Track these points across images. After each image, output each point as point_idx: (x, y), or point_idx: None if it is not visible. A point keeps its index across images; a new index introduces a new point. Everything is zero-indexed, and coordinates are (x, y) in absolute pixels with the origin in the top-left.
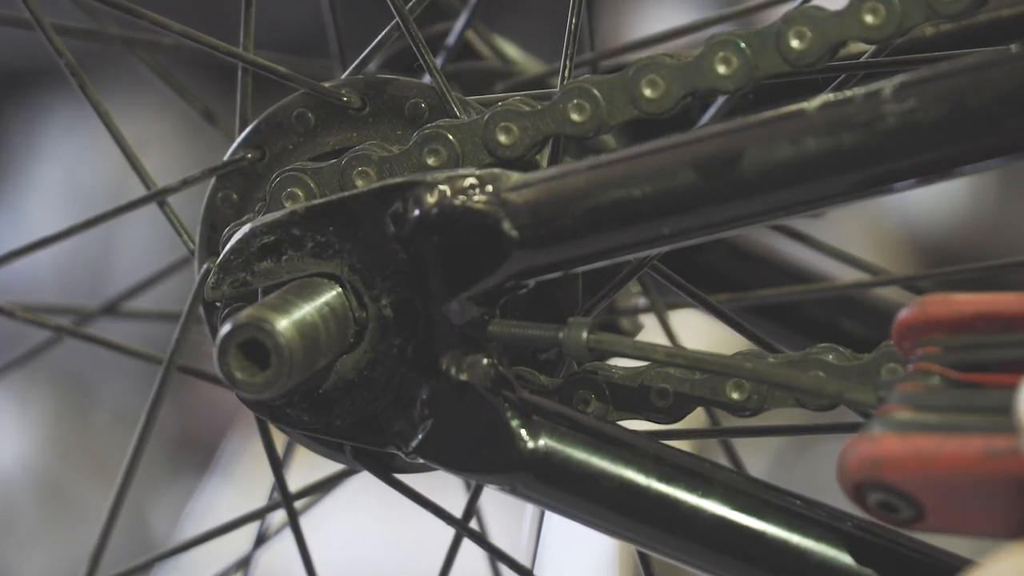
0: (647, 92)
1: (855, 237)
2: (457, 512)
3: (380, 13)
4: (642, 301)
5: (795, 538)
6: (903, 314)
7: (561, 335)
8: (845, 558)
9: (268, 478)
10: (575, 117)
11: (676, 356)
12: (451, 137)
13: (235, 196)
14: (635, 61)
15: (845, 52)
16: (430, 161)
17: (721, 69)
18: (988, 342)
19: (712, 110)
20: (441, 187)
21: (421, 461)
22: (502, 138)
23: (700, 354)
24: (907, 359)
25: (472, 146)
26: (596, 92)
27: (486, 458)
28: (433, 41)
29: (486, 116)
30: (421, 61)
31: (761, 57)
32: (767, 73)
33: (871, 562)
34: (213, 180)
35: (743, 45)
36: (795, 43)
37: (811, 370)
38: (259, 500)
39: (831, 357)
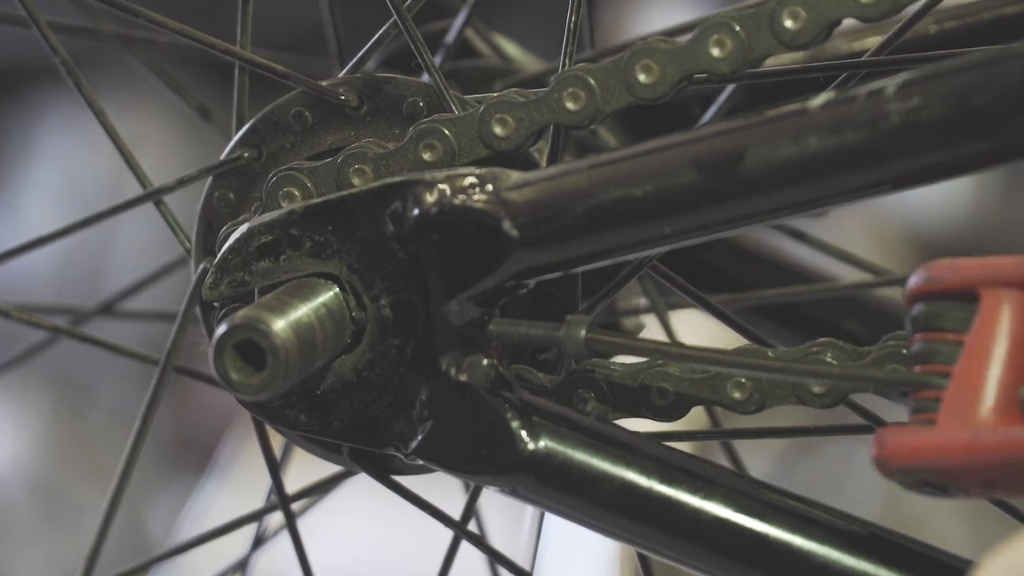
0: (642, 77)
1: (857, 237)
2: (456, 514)
3: (378, 11)
4: (643, 301)
5: (797, 540)
6: (913, 282)
7: (560, 333)
8: (848, 560)
9: (265, 479)
10: (570, 106)
11: (676, 351)
12: (446, 131)
13: (232, 195)
14: (629, 46)
15: (847, 50)
16: (426, 156)
17: (716, 52)
18: None
19: (713, 108)
20: (440, 186)
21: (420, 463)
22: (498, 130)
23: (702, 349)
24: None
25: (468, 140)
26: (591, 80)
27: (486, 460)
28: (432, 39)
29: (481, 108)
30: (419, 59)
31: (756, 38)
32: (762, 55)
33: (874, 564)
34: (210, 179)
35: (737, 27)
36: (789, 23)
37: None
38: (256, 502)
39: (830, 354)
